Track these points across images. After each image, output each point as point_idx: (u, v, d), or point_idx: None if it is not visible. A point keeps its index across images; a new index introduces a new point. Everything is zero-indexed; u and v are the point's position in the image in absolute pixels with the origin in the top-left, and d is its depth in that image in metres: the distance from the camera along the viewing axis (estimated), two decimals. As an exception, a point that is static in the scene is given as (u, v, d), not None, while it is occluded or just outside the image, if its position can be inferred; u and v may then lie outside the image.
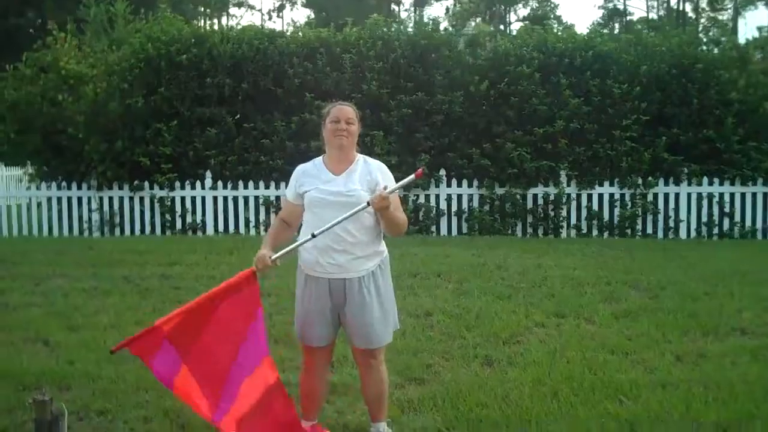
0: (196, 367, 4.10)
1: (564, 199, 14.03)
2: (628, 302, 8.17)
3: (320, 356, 4.51)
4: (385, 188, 4.18)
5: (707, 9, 61.55)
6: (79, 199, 14.55)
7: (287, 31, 17.44)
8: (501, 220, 14.17)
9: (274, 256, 4.28)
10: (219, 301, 4.22)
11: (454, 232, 14.22)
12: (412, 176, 4.22)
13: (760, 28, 48.17)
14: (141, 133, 14.29)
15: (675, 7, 63.55)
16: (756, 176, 13.86)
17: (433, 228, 14.20)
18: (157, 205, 14.37)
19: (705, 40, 17.32)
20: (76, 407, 5.10)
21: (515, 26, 61.40)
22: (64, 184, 14.56)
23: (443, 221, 14.23)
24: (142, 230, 14.45)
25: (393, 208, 4.22)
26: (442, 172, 14.12)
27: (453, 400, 5.21)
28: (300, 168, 4.53)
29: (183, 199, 14.37)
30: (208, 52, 14.42)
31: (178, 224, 14.40)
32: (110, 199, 14.48)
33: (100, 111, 14.19)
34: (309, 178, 4.42)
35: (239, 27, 15.86)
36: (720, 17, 60.94)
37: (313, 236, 4.19)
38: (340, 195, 4.26)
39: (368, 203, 4.13)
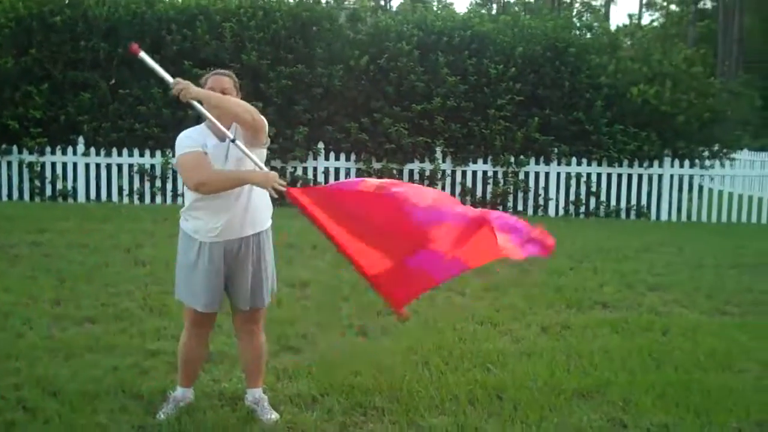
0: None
1: (439, 175, 14.30)
2: (498, 276, 8.40)
3: (208, 322, 4.54)
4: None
5: (581, -6, 63.17)
6: (-57, 162, 13.99)
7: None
8: (377, 194, 14.31)
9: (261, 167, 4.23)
10: (342, 213, 4.22)
11: (331, 205, 14.28)
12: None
13: (630, 16, 49.83)
14: (10, 95, 13.78)
15: (551, -10, 64.97)
16: (621, 158, 14.44)
17: (310, 200, 14.22)
18: (26, 170, 13.92)
19: (578, 25, 17.83)
20: (-59, 374, 4.99)
21: (396, 2, 61.61)
22: (-74, 145, 13.96)
23: (320, 194, 14.27)
24: (10, 196, 13.99)
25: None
26: (321, 145, 14.16)
27: (327, 369, 5.30)
28: (185, 133, 4.35)
29: (54, 164, 13.96)
30: (83, 14, 14.02)
31: (48, 191, 14.00)
32: (-24, 162, 13.98)
33: (-34, 70, 13.65)
34: (200, 139, 4.32)
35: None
36: (593, 3, 62.69)
37: (233, 141, 4.14)
38: (232, 157, 4.24)
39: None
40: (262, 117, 4.27)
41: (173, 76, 4.09)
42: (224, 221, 4.26)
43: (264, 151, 4.41)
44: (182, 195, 5.61)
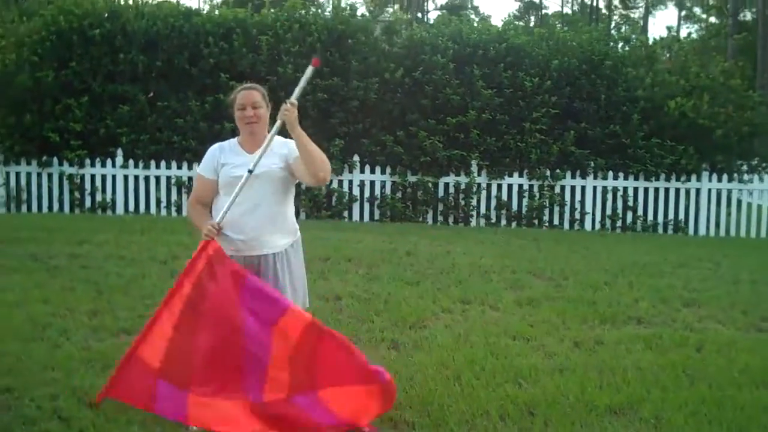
0: (203, 385, 4.08)
1: (474, 189, 14.29)
2: (532, 290, 8.41)
3: None
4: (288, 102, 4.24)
5: (619, 6, 62.88)
6: (-15, 174, 14.23)
7: (204, 9, 17.34)
8: (412, 207, 14.37)
9: (218, 220, 4.30)
10: (197, 299, 4.20)
11: (366, 218, 14.35)
12: (311, 67, 4.33)
13: (669, 28, 49.46)
14: (51, 107, 14.01)
15: (589, 2, 64.73)
16: (659, 172, 14.34)
17: (346, 213, 14.30)
18: (66, 182, 14.12)
19: (615, 37, 17.76)
20: (-20, 384, 5.07)
21: (433, 15, 61.71)
22: (-32, 157, 14.21)
23: (356, 207, 14.34)
24: (50, 207, 14.19)
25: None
26: (356, 158, 14.22)
27: (359, 382, 5.32)
28: (216, 145, 4.61)
29: (93, 176, 14.16)
30: (121, 28, 14.21)
31: (87, 202, 14.20)
32: (17, 174, 14.18)
33: (8, 83, 13.84)
34: (226, 155, 4.49)
35: (155, 3, 15.64)
36: (632, 15, 62.39)
37: (250, 172, 4.24)
38: (255, 174, 4.33)
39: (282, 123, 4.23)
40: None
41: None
42: (243, 238, 4.39)
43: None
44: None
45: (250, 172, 4.24)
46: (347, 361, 4.22)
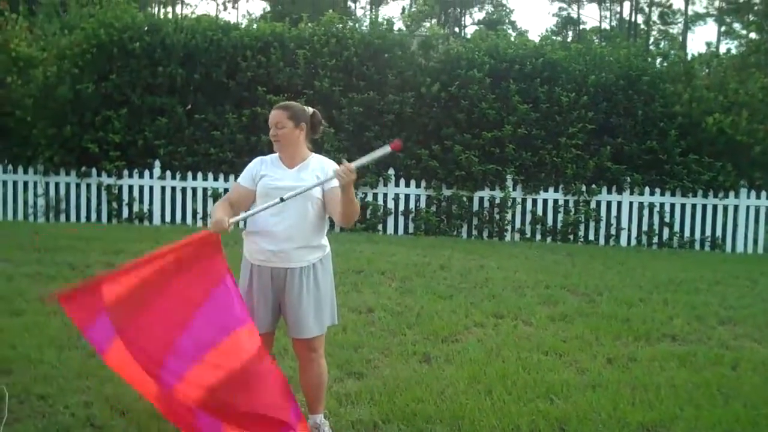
0: (133, 340, 4.09)
1: (509, 203, 14.25)
2: (566, 306, 8.38)
3: (264, 342, 4.59)
4: (350, 161, 4.25)
5: (658, 22, 62.51)
6: (25, 184, 14.42)
7: (242, 23, 17.48)
8: (447, 221, 14.36)
9: (231, 220, 4.34)
10: (171, 273, 4.22)
11: (401, 231, 14.36)
12: (387, 147, 4.31)
13: (708, 44, 49.04)
14: (90, 119, 14.20)
15: (627, 18, 64.43)
16: (696, 188, 14.22)
17: (380, 227, 14.32)
18: (104, 193, 14.30)
19: (654, 52, 17.64)
20: (17, 391, 5.13)
21: (470, 30, 61.76)
22: (10, 167, 14.42)
23: (390, 220, 14.36)
24: (88, 217, 14.37)
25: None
26: (391, 171, 14.25)
27: (390, 395, 5.33)
28: (258, 158, 4.69)
29: (131, 187, 14.32)
30: (161, 41, 14.38)
31: (125, 213, 14.35)
32: (57, 184, 14.38)
33: (49, 95, 14.07)
34: (266, 167, 4.56)
35: (194, 16, 15.82)
36: (671, 31, 61.96)
37: (282, 200, 4.28)
38: (291, 187, 4.38)
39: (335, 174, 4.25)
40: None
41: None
42: (272, 249, 4.42)
43: None
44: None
45: (282, 200, 4.30)
46: (274, 394, 4.07)
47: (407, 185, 14.33)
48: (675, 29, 61.91)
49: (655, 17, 62.76)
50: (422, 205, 14.36)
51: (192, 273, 4.23)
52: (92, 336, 4.17)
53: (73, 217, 14.34)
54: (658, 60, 16.18)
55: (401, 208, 14.39)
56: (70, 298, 4.24)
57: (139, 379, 4.15)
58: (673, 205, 14.34)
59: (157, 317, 4.16)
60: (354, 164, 4.20)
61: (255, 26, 15.73)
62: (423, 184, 14.30)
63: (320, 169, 4.53)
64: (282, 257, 4.41)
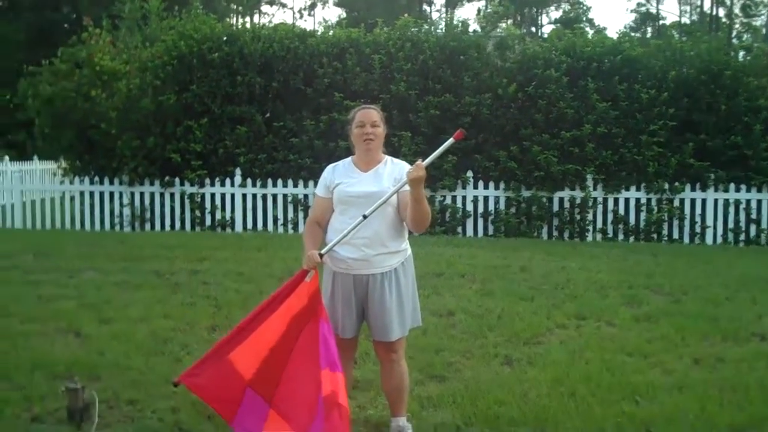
0: (283, 405, 4.15)
1: (590, 203, 14.08)
2: (650, 306, 8.24)
3: (346, 348, 4.61)
4: (422, 160, 4.24)
5: (740, 14, 61.08)
6: (111, 194, 14.78)
7: (318, 30, 17.64)
8: (527, 222, 14.25)
9: (322, 252, 4.39)
10: (292, 335, 4.27)
11: (480, 233, 14.31)
12: (451, 139, 4.36)
13: (794, 34, 47.77)
14: (172, 129, 14.52)
15: (708, 11, 63.16)
16: (783, 183, 13.85)
17: (459, 229, 14.28)
18: (187, 202, 14.57)
19: (736, 46, 17.25)
20: (106, 396, 5.25)
21: (547, 29, 61.24)
22: (96, 179, 14.80)
23: (469, 223, 14.32)
24: (172, 226, 14.66)
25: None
26: (469, 173, 14.20)
27: (472, 398, 5.31)
28: (331, 166, 4.70)
29: (213, 195, 14.56)
30: (239, 51, 14.61)
31: (208, 221, 14.59)
32: (141, 194, 14.71)
33: (132, 107, 14.40)
34: (339, 175, 4.58)
35: (271, 26, 16.04)
36: (754, 23, 60.48)
37: (365, 217, 4.30)
38: (368, 192, 4.41)
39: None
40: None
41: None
42: (354, 256, 4.43)
43: None
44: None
45: (365, 216, 4.33)
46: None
47: (486, 187, 14.26)
48: (758, 21, 60.47)
49: (737, 9, 61.41)
50: (501, 206, 14.27)
51: (306, 330, 4.29)
52: (243, 421, 4.20)
53: (157, 226, 14.64)
54: (741, 53, 15.81)
55: (480, 210, 14.33)
56: (205, 389, 4.26)
57: None
58: (759, 202, 13.97)
59: (295, 379, 4.20)
60: (425, 161, 4.19)
61: (331, 33, 15.87)
62: (502, 185, 14.22)
63: (397, 172, 4.52)
64: (363, 264, 4.42)
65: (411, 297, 4.61)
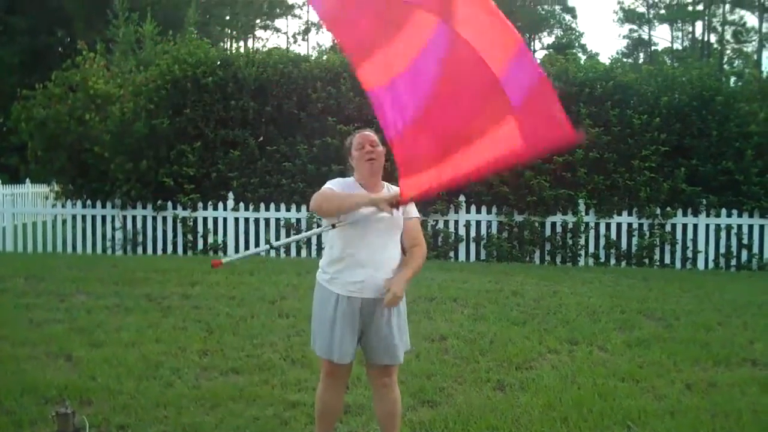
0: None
1: (582, 228, 14.11)
2: (642, 331, 8.24)
3: (343, 373, 4.61)
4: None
5: (731, 40, 61.49)
6: (104, 218, 14.77)
7: (312, 55, 17.72)
8: (519, 247, 14.26)
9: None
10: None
11: (472, 258, 14.31)
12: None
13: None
14: (165, 153, 14.53)
15: (700, 38, 63.57)
16: (775, 209, 13.90)
17: (451, 254, 14.29)
18: (179, 225, 14.55)
19: (727, 72, 17.38)
20: (97, 421, 5.24)
21: (540, 54, 61.50)
22: (89, 202, 14.78)
23: (461, 247, 14.32)
24: (165, 250, 14.64)
25: (413, 243, 4.43)
26: (462, 198, 14.22)
27: (464, 423, 5.31)
28: (341, 179, 4.61)
29: (205, 219, 14.55)
30: (233, 75, 14.65)
31: (200, 244, 14.58)
32: (134, 218, 14.69)
33: (126, 131, 14.40)
34: (348, 189, 4.52)
35: (265, 50, 16.08)
36: (745, 49, 60.87)
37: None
38: (364, 214, 4.37)
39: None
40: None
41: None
42: (366, 276, 4.38)
43: None
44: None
45: (333, 226, 4.35)
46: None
47: (478, 212, 14.28)
48: (749, 47, 60.86)
49: (728, 36, 61.81)
50: (494, 231, 14.28)
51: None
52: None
53: (149, 250, 14.61)
54: (732, 79, 15.94)
55: (473, 234, 14.33)
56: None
57: None
58: (751, 227, 14.02)
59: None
60: (399, 290, 4.28)
61: (325, 57, 15.90)
62: (494, 210, 14.24)
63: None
64: (371, 288, 4.39)
65: (405, 319, 4.60)
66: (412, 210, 4.50)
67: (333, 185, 4.51)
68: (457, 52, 4.04)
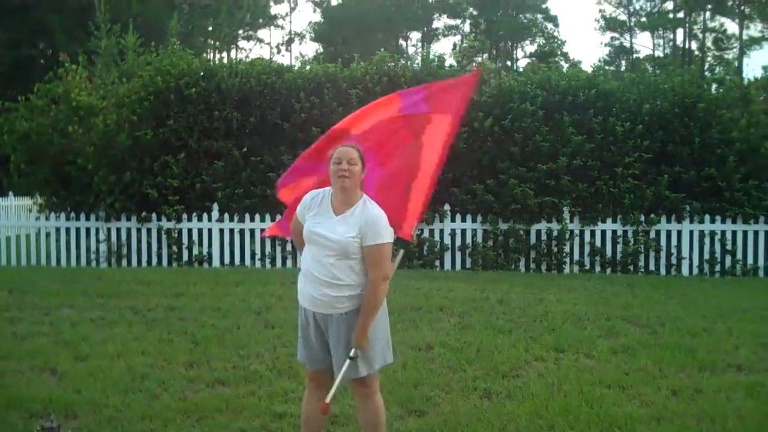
0: None
1: (567, 235, 14.14)
2: (627, 338, 8.27)
3: (314, 379, 4.68)
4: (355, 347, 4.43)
5: (713, 48, 61.87)
6: (87, 230, 14.69)
7: (295, 65, 17.74)
8: (504, 255, 14.28)
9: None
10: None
11: (458, 266, 14.32)
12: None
13: (765, 68, 48.34)
14: (149, 165, 14.48)
15: (681, 45, 63.93)
16: (757, 214, 13.97)
17: (437, 262, 14.29)
18: (164, 237, 14.50)
19: (709, 79, 17.48)
20: (82, 434, 5.22)
21: (522, 63, 61.73)
22: (72, 214, 14.71)
23: (447, 256, 14.33)
24: (149, 261, 14.58)
25: (368, 268, 4.44)
26: (447, 207, 14.24)
27: (451, 432, 5.31)
28: (311, 193, 4.65)
29: (190, 231, 14.51)
30: (216, 86, 14.63)
31: (185, 256, 14.53)
32: (118, 230, 14.63)
33: (109, 142, 14.36)
34: (315, 207, 4.55)
35: (248, 61, 16.06)
36: (726, 56, 61.24)
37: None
38: (328, 238, 4.41)
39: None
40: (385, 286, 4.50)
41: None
42: (301, 286, 4.56)
43: None
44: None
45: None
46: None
47: (463, 220, 14.29)
48: (730, 55, 61.23)
49: (709, 43, 62.18)
50: (479, 239, 14.30)
51: None
52: None
53: (134, 262, 14.56)
54: (714, 86, 16.02)
55: (458, 243, 14.35)
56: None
57: None
58: (734, 233, 14.10)
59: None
60: (360, 341, 4.39)
61: (308, 68, 15.92)
62: (479, 218, 14.26)
63: (362, 222, 4.41)
64: (320, 304, 4.45)
65: (377, 336, 4.54)
66: (377, 236, 4.39)
67: (308, 197, 4.64)
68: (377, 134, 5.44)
